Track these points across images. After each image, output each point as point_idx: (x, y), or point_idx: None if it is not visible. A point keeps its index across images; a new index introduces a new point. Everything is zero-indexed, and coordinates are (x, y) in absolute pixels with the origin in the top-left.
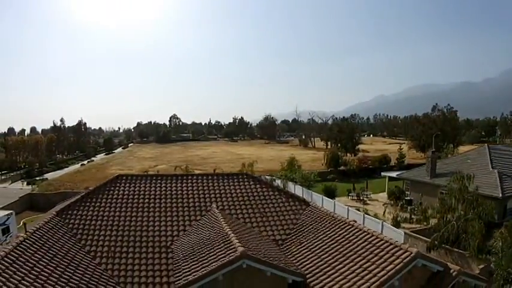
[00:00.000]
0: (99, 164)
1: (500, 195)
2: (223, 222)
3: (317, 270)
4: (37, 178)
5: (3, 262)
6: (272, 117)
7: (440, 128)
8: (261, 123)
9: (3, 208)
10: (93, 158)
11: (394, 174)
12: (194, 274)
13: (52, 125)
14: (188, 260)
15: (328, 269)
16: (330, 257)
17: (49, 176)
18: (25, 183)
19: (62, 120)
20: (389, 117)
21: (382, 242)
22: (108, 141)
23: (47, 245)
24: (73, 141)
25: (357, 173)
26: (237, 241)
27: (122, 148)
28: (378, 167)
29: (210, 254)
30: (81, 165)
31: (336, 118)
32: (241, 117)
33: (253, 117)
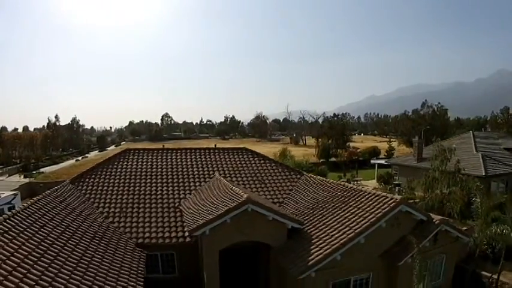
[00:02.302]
0: (94, 160)
1: (484, 173)
2: (227, 182)
3: (314, 220)
4: (34, 172)
5: (17, 216)
6: (263, 116)
7: (429, 123)
8: (252, 121)
9: None
10: (87, 155)
11: (383, 161)
12: (204, 219)
13: (44, 123)
14: (198, 211)
15: (322, 218)
16: (324, 210)
17: (45, 170)
18: (22, 176)
19: (56, 117)
20: (380, 116)
21: (371, 194)
22: (101, 138)
23: (62, 205)
24: (67, 138)
25: (348, 164)
26: (241, 191)
27: (115, 146)
28: (367, 159)
29: (218, 204)
30: (76, 160)
31: (327, 117)
32: (233, 116)
33: (245, 117)
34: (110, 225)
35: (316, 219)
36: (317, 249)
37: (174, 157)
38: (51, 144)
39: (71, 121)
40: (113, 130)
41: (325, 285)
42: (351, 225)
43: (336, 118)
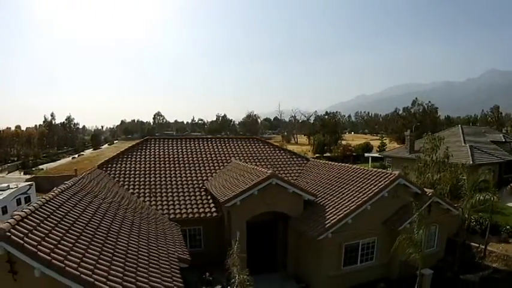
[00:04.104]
0: (91, 157)
1: (471, 162)
2: (246, 164)
3: (325, 194)
4: (33, 168)
5: (59, 198)
6: (255, 115)
7: (419, 121)
8: (244, 120)
9: None
10: (82, 153)
11: (376, 154)
12: (235, 192)
13: (36, 122)
14: (227, 187)
15: (332, 192)
16: (333, 186)
17: (43, 167)
18: (22, 172)
19: (52, 115)
20: (370, 114)
21: (374, 171)
22: (95, 137)
23: (100, 184)
24: (62, 137)
25: (342, 160)
26: (265, 169)
27: (108, 144)
28: (361, 154)
29: (245, 180)
30: (73, 158)
31: (319, 115)
32: (224, 115)
33: (236, 115)
34: (143, 202)
35: (326, 193)
36: (331, 215)
37: (192, 145)
38: (47, 142)
39: (66, 119)
40: (104, 129)
41: (339, 246)
42: (358, 196)
43: (327, 116)
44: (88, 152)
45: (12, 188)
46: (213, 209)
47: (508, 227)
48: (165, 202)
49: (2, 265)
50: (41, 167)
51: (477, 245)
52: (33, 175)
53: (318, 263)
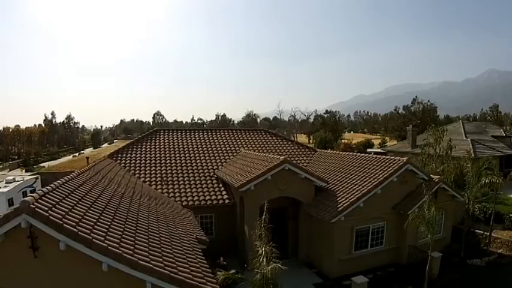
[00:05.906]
0: (91, 155)
1: (473, 155)
2: (257, 153)
3: (335, 181)
4: (35, 166)
5: (77, 180)
6: (254, 114)
7: (419, 119)
8: (243, 119)
9: None
10: (82, 151)
11: (378, 149)
12: (249, 177)
13: (35, 122)
14: (239, 174)
15: (342, 179)
16: (342, 173)
17: (45, 165)
18: (24, 170)
19: (52, 113)
20: (369, 113)
21: (382, 158)
22: (95, 136)
23: (112, 172)
24: (62, 135)
25: None
26: (277, 156)
27: (108, 144)
28: (362, 151)
29: (258, 166)
30: (73, 156)
31: (319, 114)
32: (224, 114)
33: (236, 115)
34: (156, 189)
35: (336, 180)
36: (343, 199)
37: (201, 136)
38: (47, 141)
39: (66, 119)
40: (103, 129)
41: (350, 230)
42: (369, 180)
43: (327, 115)
44: (88, 150)
45: (18, 181)
46: (225, 196)
47: (511, 215)
48: (176, 190)
49: (22, 241)
50: (42, 164)
51: (482, 232)
52: (35, 172)
53: (330, 247)
